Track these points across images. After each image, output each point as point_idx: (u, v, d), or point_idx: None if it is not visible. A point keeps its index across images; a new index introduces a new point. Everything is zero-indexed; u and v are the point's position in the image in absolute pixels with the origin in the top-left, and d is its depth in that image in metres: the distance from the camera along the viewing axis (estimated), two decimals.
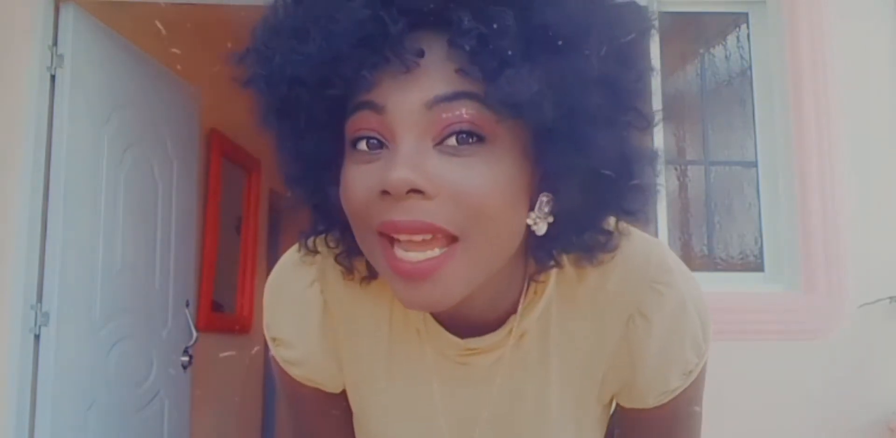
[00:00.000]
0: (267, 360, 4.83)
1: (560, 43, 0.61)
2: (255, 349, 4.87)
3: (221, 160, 4.16)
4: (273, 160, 0.75)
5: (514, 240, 0.68)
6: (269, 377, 5.22)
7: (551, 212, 0.67)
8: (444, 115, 0.62)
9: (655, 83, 2.87)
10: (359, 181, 0.64)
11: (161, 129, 3.36)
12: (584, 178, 0.66)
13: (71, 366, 2.76)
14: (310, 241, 0.79)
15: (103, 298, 2.94)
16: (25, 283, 2.66)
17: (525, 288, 0.77)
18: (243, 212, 4.59)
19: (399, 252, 0.64)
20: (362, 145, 0.64)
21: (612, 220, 0.74)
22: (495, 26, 0.60)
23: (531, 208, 0.67)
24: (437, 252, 0.63)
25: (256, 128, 0.72)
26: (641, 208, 0.71)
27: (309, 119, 0.67)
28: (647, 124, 0.68)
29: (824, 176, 2.68)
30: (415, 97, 0.62)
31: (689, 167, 3.01)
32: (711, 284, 2.77)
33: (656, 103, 2.86)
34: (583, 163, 0.65)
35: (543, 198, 0.67)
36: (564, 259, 0.74)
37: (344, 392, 0.89)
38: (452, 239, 0.63)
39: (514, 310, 0.77)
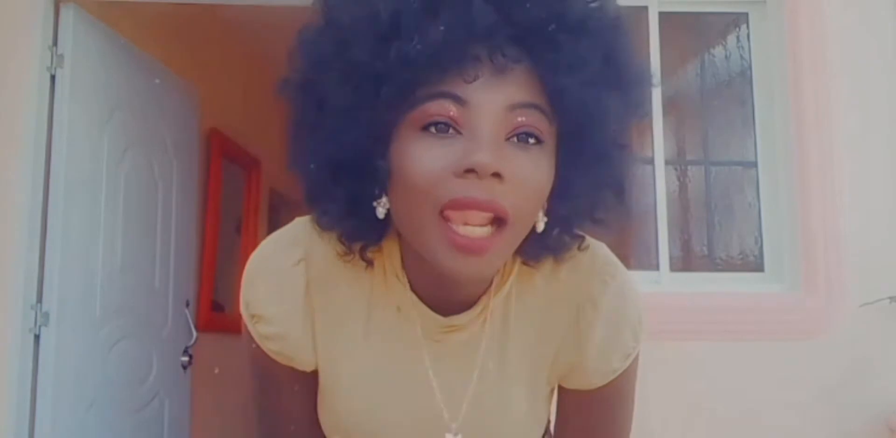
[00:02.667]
0: None
1: (622, 84, 0.77)
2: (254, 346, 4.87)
3: (221, 160, 4.16)
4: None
5: (526, 233, 0.78)
6: None
7: (546, 215, 0.79)
8: (519, 118, 0.73)
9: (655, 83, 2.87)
10: (432, 158, 0.72)
11: (161, 129, 3.36)
12: (587, 192, 0.80)
13: (71, 366, 2.76)
14: (323, 220, 0.84)
15: (103, 298, 2.94)
16: (25, 283, 2.66)
17: (498, 273, 0.88)
18: (243, 212, 4.59)
19: (458, 227, 0.72)
20: (432, 128, 0.73)
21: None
22: (585, 57, 0.74)
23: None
24: (489, 230, 0.73)
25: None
26: (608, 222, 0.84)
27: (389, 93, 0.73)
28: (633, 160, 0.84)
29: (824, 176, 2.68)
30: (500, 99, 0.73)
31: (689, 167, 3.01)
32: (711, 284, 2.77)
33: (656, 103, 2.86)
34: (595, 174, 0.79)
35: (546, 202, 0.79)
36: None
37: (312, 372, 0.93)
38: (502, 222, 0.73)
39: (483, 292, 0.87)
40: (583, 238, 0.85)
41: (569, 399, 0.95)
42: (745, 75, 2.93)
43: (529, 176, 0.73)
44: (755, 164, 2.87)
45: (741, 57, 2.96)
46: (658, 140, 2.85)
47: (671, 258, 2.81)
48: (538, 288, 0.89)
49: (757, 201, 2.85)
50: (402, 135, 0.74)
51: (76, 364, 2.79)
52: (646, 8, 2.89)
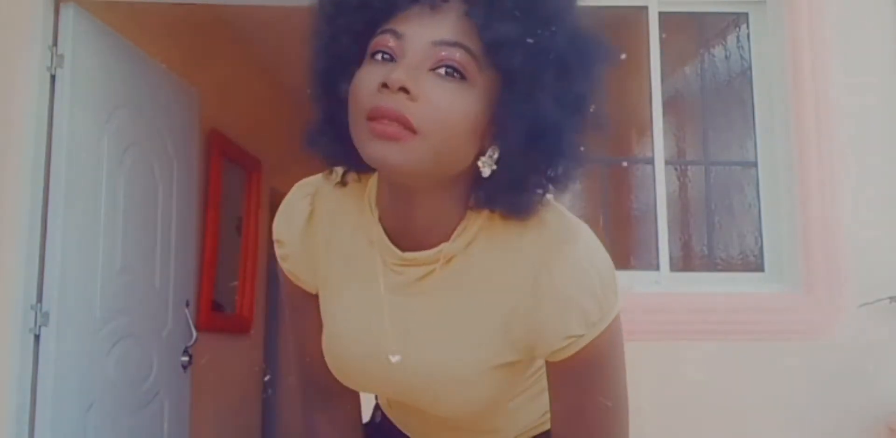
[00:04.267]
0: (266, 360, 4.83)
1: (542, 22, 0.86)
2: (254, 346, 4.87)
3: (221, 160, 4.16)
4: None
5: (457, 161, 0.89)
6: (269, 377, 5.22)
7: (495, 162, 0.89)
8: (442, 53, 0.85)
9: (655, 83, 2.88)
10: (368, 76, 0.87)
11: (161, 129, 3.36)
12: (525, 139, 0.87)
13: (71, 366, 2.76)
14: (312, 143, 0.98)
15: (103, 298, 2.94)
16: (25, 283, 2.66)
17: (459, 223, 0.97)
18: (243, 212, 4.59)
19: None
20: (378, 56, 0.87)
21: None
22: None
23: (482, 153, 0.89)
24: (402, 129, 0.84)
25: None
26: (563, 181, 0.92)
27: (354, 29, 0.90)
28: (586, 127, 0.90)
29: (824, 176, 2.68)
30: (427, 36, 0.86)
31: (689, 167, 3.01)
32: (711, 284, 2.77)
33: (656, 103, 2.86)
34: (528, 122, 0.86)
35: (493, 147, 0.89)
36: (495, 211, 0.94)
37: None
38: (414, 133, 0.84)
39: (447, 239, 0.96)
40: (539, 197, 0.92)
41: (552, 374, 0.99)
42: (745, 75, 2.93)
43: (444, 102, 0.84)
44: (755, 164, 2.87)
45: (741, 57, 2.96)
46: (658, 140, 2.85)
47: (671, 258, 2.81)
48: (501, 247, 0.96)
49: (757, 201, 2.85)
50: (364, 62, 0.90)
51: (76, 364, 2.80)
52: (646, 8, 2.90)
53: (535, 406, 1.13)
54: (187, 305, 3.51)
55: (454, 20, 0.86)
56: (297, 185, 1.09)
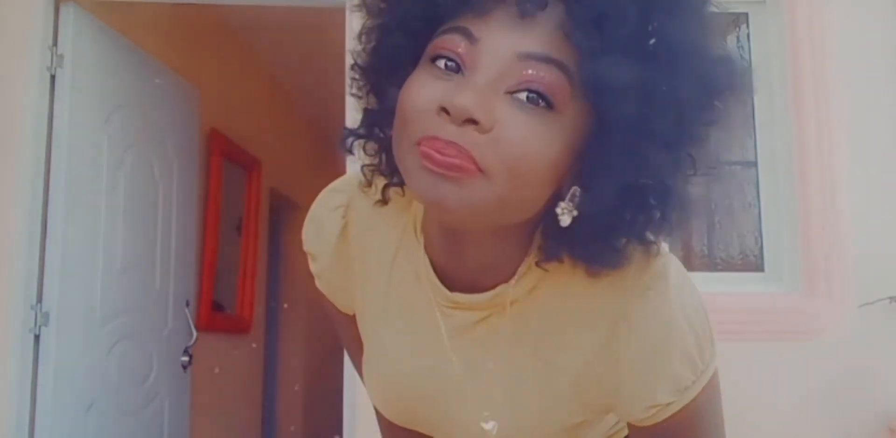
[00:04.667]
0: (266, 360, 4.82)
1: (665, 56, 0.65)
2: (254, 346, 4.87)
3: (221, 160, 4.16)
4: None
5: (526, 209, 0.70)
6: (269, 377, 5.21)
7: (577, 208, 0.69)
8: (529, 71, 0.65)
9: None
10: (424, 89, 0.67)
11: (161, 129, 3.36)
12: (618, 187, 0.67)
13: (71, 366, 2.76)
14: (366, 170, 0.82)
15: (103, 298, 2.94)
16: (25, 283, 2.66)
17: (521, 262, 0.79)
18: (243, 212, 4.58)
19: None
20: (440, 63, 0.67)
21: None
22: (618, 13, 0.63)
23: (562, 197, 0.69)
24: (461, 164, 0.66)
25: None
26: (663, 231, 0.73)
27: (412, 24, 0.71)
28: (695, 170, 0.70)
29: (824, 176, 2.68)
30: (512, 45, 0.65)
31: None
32: (711, 284, 2.77)
33: None
34: (626, 171, 0.67)
35: (576, 191, 0.69)
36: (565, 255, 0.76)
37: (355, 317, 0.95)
38: (478, 173, 0.65)
39: (505, 280, 0.79)
40: (624, 249, 0.72)
41: (634, 435, 0.84)
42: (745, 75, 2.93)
43: (521, 139, 0.64)
44: (755, 164, 2.87)
45: (741, 57, 2.96)
46: None
47: None
48: (574, 291, 0.78)
49: (757, 201, 2.85)
50: (419, 66, 0.70)
51: (76, 364, 2.80)
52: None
53: (604, 425, 0.98)
54: (187, 305, 3.51)
55: (547, 31, 0.65)
56: (325, 192, 0.92)
